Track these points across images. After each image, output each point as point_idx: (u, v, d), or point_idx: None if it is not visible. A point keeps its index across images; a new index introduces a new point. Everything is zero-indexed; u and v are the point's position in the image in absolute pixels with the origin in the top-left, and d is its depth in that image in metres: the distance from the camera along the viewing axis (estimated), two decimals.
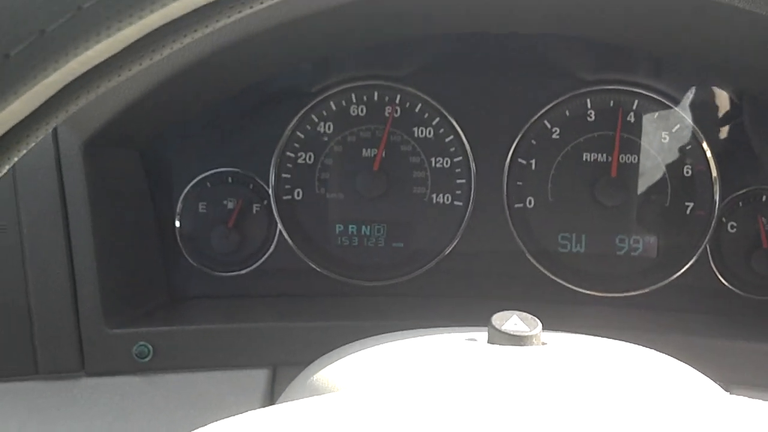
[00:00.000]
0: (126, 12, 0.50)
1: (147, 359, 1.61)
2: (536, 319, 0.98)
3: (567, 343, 0.99)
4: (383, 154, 1.92)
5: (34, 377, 1.59)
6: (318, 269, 1.91)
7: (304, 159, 1.93)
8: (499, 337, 0.96)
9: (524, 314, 0.99)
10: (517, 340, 0.95)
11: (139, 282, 1.79)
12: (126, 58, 0.55)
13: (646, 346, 1.03)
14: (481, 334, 1.00)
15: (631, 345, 1.02)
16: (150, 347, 1.61)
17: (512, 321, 0.97)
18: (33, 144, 0.57)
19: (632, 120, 1.88)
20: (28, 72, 0.50)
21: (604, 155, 1.88)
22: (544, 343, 0.98)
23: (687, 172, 1.87)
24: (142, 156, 1.80)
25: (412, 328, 1.09)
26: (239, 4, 0.56)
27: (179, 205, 1.91)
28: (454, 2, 1.46)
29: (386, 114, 1.92)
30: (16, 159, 0.56)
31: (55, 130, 1.55)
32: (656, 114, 1.87)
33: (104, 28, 0.50)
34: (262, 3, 0.57)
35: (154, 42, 0.55)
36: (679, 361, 0.97)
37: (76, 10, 0.49)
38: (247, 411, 0.68)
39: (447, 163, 1.93)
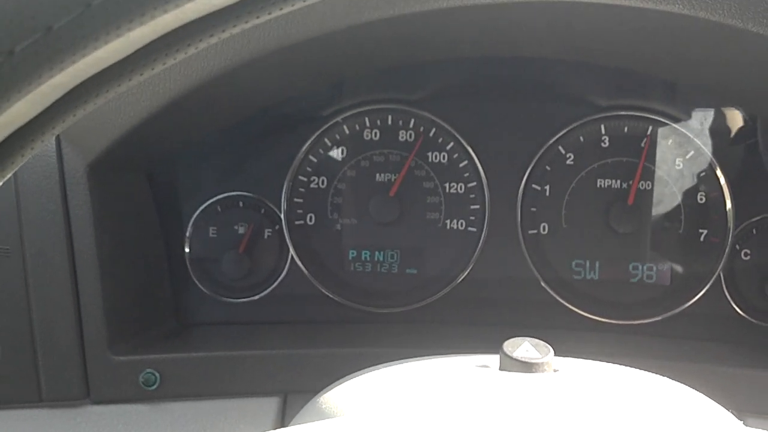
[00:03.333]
0: (138, 11, 0.49)
1: (154, 387, 1.59)
2: (548, 345, 0.97)
3: (578, 370, 0.98)
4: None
5: (39, 405, 1.56)
6: (331, 295, 1.89)
7: (317, 183, 1.92)
8: (511, 364, 0.95)
9: (536, 341, 0.98)
10: (529, 366, 0.94)
11: (146, 308, 1.76)
12: (137, 61, 0.53)
13: (659, 374, 1.01)
14: (493, 361, 0.99)
15: (644, 372, 1.01)
16: (157, 375, 1.59)
17: (524, 348, 0.96)
18: (37, 148, 0.55)
19: (646, 146, 1.87)
20: (34, 70, 0.48)
21: (619, 182, 1.87)
22: (555, 370, 0.97)
23: (701, 199, 1.86)
24: (151, 179, 1.78)
25: (425, 355, 1.09)
26: (256, 9, 0.55)
27: (189, 230, 1.89)
28: (469, 27, 1.46)
29: (400, 139, 1.91)
30: (19, 164, 0.55)
31: (59, 151, 1.52)
32: (670, 140, 1.86)
33: (114, 27, 0.48)
34: (282, 9, 0.55)
35: (167, 45, 0.54)
36: (692, 389, 0.96)
37: (86, 6, 0.48)
38: None
39: (461, 188, 1.91)
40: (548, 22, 1.42)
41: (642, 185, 1.87)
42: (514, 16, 1.41)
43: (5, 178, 0.55)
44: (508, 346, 0.96)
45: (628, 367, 1.02)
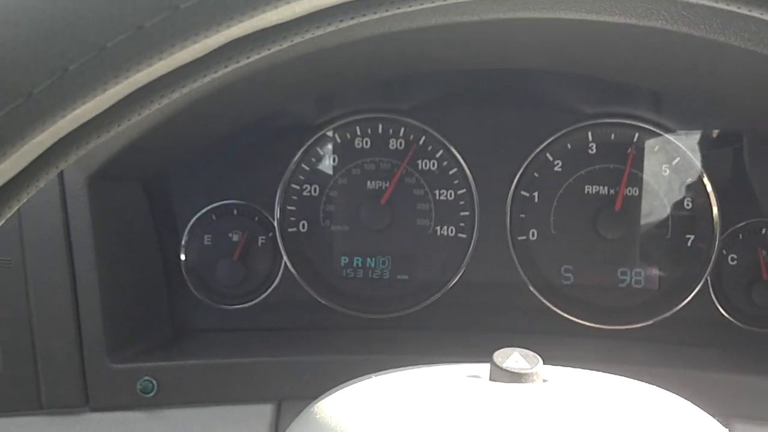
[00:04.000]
0: (113, 74, 0.51)
1: (151, 394, 1.61)
2: (537, 356, 0.99)
3: (567, 380, 1.00)
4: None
5: (38, 412, 1.58)
6: (323, 302, 1.91)
7: (309, 191, 1.94)
8: (501, 375, 0.96)
9: (526, 351, 0.99)
10: (518, 377, 0.96)
11: (144, 316, 1.78)
12: (115, 114, 0.56)
13: (648, 380, 1.03)
14: (484, 370, 1.01)
15: (632, 381, 1.03)
16: (154, 382, 1.61)
17: (513, 358, 0.98)
18: (53, 174, 0.57)
19: (633, 153, 1.89)
20: (50, 111, 0.50)
21: (606, 188, 1.89)
22: (545, 380, 0.99)
23: (687, 205, 1.89)
24: (147, 189, 1.81)
25: (417, 362, 1.10)
26: (220, 62, 0.57)
27: (185, 238, 1.91)
28: (458, 42, 1.48)
29: (391, 147, 1.93)
30: (8, 214, 0.57)
31: None
32: (656, 147, 1.88)
33: (90, 90, 0.51)
34: (249, 56, 0.58)
35: (142, 97, 0.56)
36: (680, 398, 0.98)
37: (63, 71, 0.50)
38: None
39: (451, 195, 1.94)
40: (536, 37, 1.44)
41: (629, 191, 1.89)
42: (502, 31, 1.43)
43: (16, 207, 0.57)
44: (498, 356, 0.98)
45: (616, 376, 1.04)
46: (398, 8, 0.56)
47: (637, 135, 1.89)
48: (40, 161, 0.56)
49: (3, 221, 0.57)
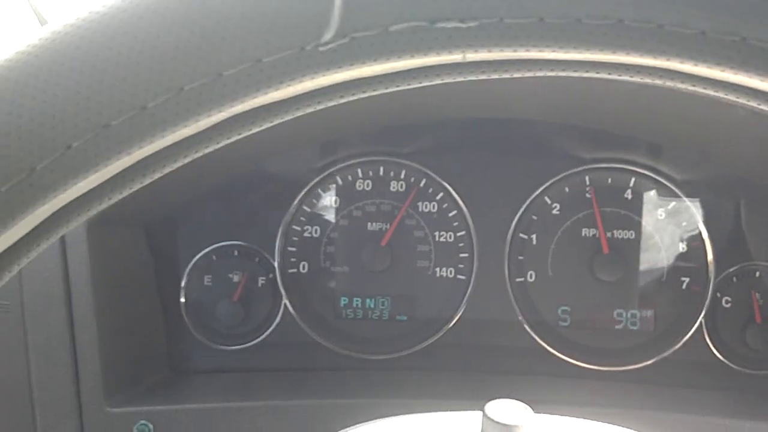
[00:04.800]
0: (116, 150, 0.53)
1: None
2: (528, 407, 1.01)
3: (558, 430, 1.02)
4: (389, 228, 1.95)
5: None
6: (322, 342, 1.92)
7: (310, 233, 1.96)
8: (492, 427, 0.98)
9: (517, 402, 1.01)
10: (510, 429, 0.98)
11: (142, 358, 1.79)
12: (117, 184, 0.57)
13: (644, 423, 1.04)
14: (476, 421, 1.02)
15: (624, 430, 1.05)
16: (150, 426, 1.61)
17: (505, 410, 1.00)
18: (55, 239, 0.58)
19: (629, 197, 1.92)
20: (52, 185, 0.51)
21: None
22: None
23: (683, 248, 1.91)
24: (147, 231, 1.82)
25: (414, 404, 1.11)
26: (236, 131, 0.58)
27: (185, 279, 1.92)
28: (456, 94, 1.49)
29: (392, 189, 1.95)
30: (7, 277, 0.59)
31: None
32: (652, 192, 1.91)
33: (93, 165, 0.52)
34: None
35: (145, 168, 0.57)
36: None
37: (66, 149, 0.51)
38: None
39: (450, 237, 1.95)
40: (534, 90, 1.46)
41: (624, 234, 1.91)
42: (501, 85, 1.45)
43: (17, 269, 0.59)
44: (490, 408, 1.00)
45: (606, 425, 1.06)
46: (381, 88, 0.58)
47: (633, 179, 1.91)
48: (40, 228, 0.57)
49: (2, 283, 0.59)
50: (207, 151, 0.59)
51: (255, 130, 0.59)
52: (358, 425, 1.07)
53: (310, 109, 0.58)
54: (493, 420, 0.99)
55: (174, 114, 0.52)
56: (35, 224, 0.56)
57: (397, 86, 0.58)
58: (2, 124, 0.50)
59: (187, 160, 0.59)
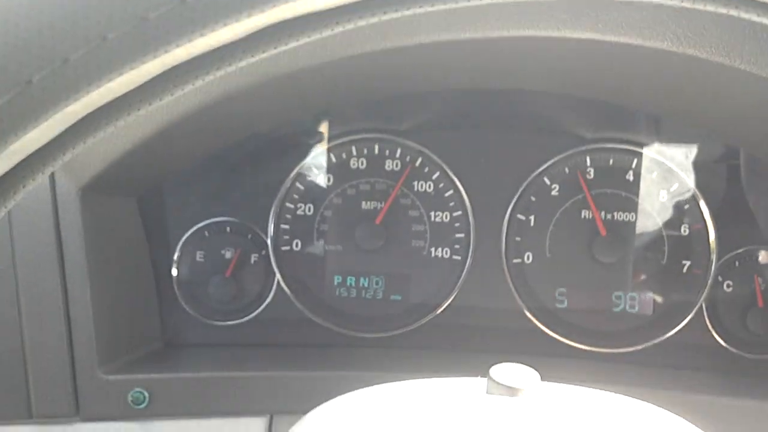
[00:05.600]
0: (152, 47, 0.51)
1: (143, 406, 1.61)
2: (535, 371, 0.99)
3: (564, 395, 1.00)
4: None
5: (29, 422, 1.58)
6: (315, 320, 1.91)
7: (304, 210, 1.94)
8: (498, 388, 0.96)
9: (523, 366, 0.99)
10: (515, 391, 0.95)
11: (135, 328, 1.78)
12: (147, 92, 0.55)
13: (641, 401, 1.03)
14: (480, 385, 1.00)
15: (628, 398, 1.03)
16: (146, 394, 1.61)
17: (511, 372, 0.97)
18: (47, 174, 0.57)
19: (631, 178, 1.89)
20: (50, 100, 0.50)
21: (603, 213, 1.89)
22: (541, 395, 0.98)
23: (684, 231, 1.88)
24: (140, 203, 1.81)
25: (409, 379, 1.09)
26: (262, 44, 0.56)
27: (177, 253, 1.91)
28: (455, 61, 1.47)
29: (387, 168, 1.93)
30: (27, 189, 0.57)
31: (52, 175, 1.54)
32: (655, 173, 1.88)
33: (128, 60, 0.51)
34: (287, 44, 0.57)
35: (175, 77, 0.55)
36: (675, 416, 0.98)
37: (101, 40, 0.49)
38: None
39: (446, 217, 1.93)
40: (534, 57, 1.44)
41: (625, 216, 1.89)
42: (500, 51, 1.43)
43: (13, 203, 0.57)
44: (496, 370, 0.97)
45: (612, 393, 1.03)
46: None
47: (635, 160, 1.89)
48: (31, 160, 0.56)
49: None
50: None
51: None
52: (361, 389, 1.04)
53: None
54: (498, 383, 0.96)
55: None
56: (39, 145, 0.56)
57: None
58: None
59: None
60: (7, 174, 0.55)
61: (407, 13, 0.56)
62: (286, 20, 0.55)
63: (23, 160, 0.55)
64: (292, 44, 0.57)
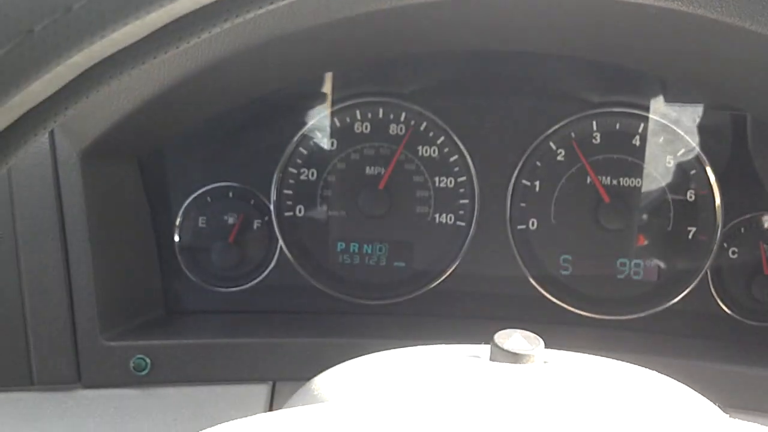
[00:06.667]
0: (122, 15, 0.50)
1: (144, 372, 1.60)
2: (538, 337, 0.98)
3: (568, 362, 0.99)
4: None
5: (30, 388, 1.57)
6: (318, 286, 1.90)
7: (307, 176, 1.92)
8: (501, 355, 0.95)
9: (527, 333, 0.98)
10: (519, 358, 0.95)
11: (137, 294, 1.77)
12: (151, 44, 0.54)
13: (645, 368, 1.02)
14: (484, 351, 0.99)
15: (632, 366, 1.02)
16: (147, 360, 1.61)
17: (514, 339, 0.97)
18: (49, 128, 0.56)
19: (637, 143, 1.88)
20: (52, 50, 0.49)
21: (608, 178, 1.87)
22: (545, 362, 0.98)
23: (690, 197, 1.87)
24: (142, 168, 1.79)
25: (413, 346, 1.09)
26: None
27: (179, 219, 1.89)
28: (459, 20, 1.46)
29: (391, 132, 1.91)
30: (31, 143, 0.56)
31: (52, 138, 1.53)
32: (661, 138, 1.86)
33: (133, 10, 0.49)
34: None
35: (180, 29, 0.54)
36: (679, 383, 0.97)
37: (66, 10, 0.48)
38: None
39: (451, 182, 1.92)
40: (539, 16, 1.43)
41: (630, 182, 1.87)
42: (505, 9, 1.42)
43: (15, 159, 0.56)
44: (499, 337, 0.97)
45: (616, 360, 1.03)
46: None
47: (642, 125, 1.87)
48: (33, 114, 0.54)
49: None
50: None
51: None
52: (364, 356, 1.04)
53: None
54: (502, 349, 0.96)
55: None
56: (42, 98, 0.55)
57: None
58: None
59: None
60: (8, 128, 0.54)
61: None
62: None
63: (25, 115, 0.54)
64: None
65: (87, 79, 0.54)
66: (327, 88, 1.91)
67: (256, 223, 1.92)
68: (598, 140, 1.88)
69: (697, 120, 1.86)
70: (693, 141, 1.85)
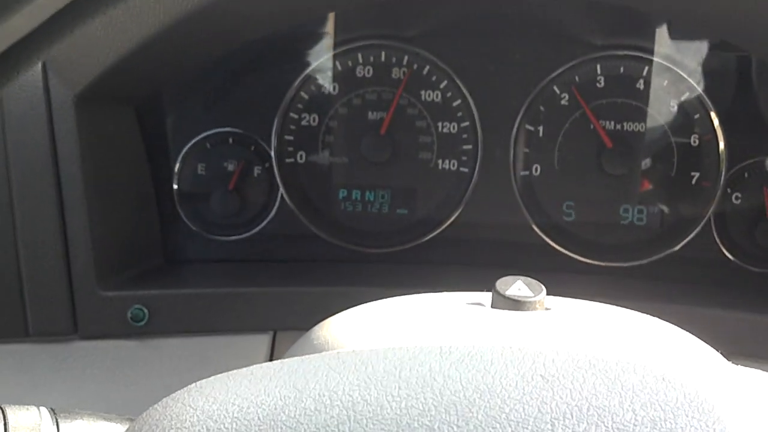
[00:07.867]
0: None
1: (142, 323, 1.58)
2: (541, 284, 0.97)
3: (571, 309, 0.98)
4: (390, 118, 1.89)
5: (26, 340, 1.55)
6: (320, 234, 1.88)
7: (308, 121, 1.90)
8: (503, 302, 0.94)
9: (529, 279, 0.97)
10: (521, 305, 0.94)
11: (134, 243, 1.75)
12: None
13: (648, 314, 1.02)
14: (486, 298, 0.98)
15: (635, 312, 1.01)
16: (145, 311, 1.59)
17: (516, 286, 0.96)
18: (42, 59, 0.54)
19: (641, 87, 1.85)
20: None
21: (612, 123, 1.86)
22: (547, 309, 0.97)
23: (694, 142, 1.85)
24: (139, 113, 1.75)
25: (415, 293, 1.08)
26: None
27: (177, 166, 1.87)
28: None
29: (393, 76, 1.89)
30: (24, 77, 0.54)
31: (46, 81, 1.48)
32: (665, 81, 1.84)
33: None
34: None
35: None
36: (682, 330, 0.96)
37: None
38: None
39: (454, 128, 1.90)
40: None
41: (634, 127, 1.86)
42: None
43: (6, 91, 0.54)
44: (501, 284, 0.96)
45: (619, 307, 1.02)
46: None
47: (646, 68, 1.85)
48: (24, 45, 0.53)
49: None
50: None
51: None
52: (365, 304, 1.03)
53: None
54: (503, 296, 0.95)
55: None
56: None
57: None
58: None
59: None
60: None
61: None
62: None
63: (16, 44, 0.53)
64: None
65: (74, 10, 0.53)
66: (329, 30, 1.87)
67: (256, 170, 1.90)
68: (602, 84, 1.86)
69: (702, 62, 1.84)
70: (697, 84, 1.83)
